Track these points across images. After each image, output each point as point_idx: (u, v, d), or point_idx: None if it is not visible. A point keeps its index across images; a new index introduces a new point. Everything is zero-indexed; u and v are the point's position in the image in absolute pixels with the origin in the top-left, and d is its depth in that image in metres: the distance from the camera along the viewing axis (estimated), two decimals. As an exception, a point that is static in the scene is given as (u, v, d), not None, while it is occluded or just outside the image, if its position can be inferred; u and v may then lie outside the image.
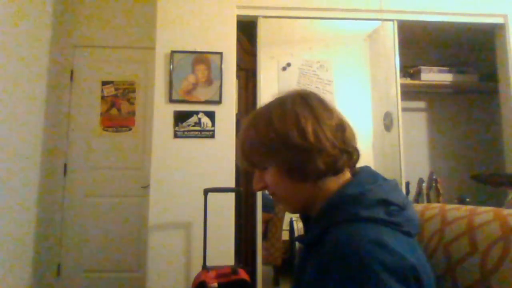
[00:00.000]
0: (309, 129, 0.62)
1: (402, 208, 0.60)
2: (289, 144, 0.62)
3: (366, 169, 0.68)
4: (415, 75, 2.83)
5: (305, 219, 0.74)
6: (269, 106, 0.68)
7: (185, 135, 2.23)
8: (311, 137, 0.61)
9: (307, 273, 0.62)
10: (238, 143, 0.72)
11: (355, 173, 0.68)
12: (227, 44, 2.32)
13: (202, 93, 2.26)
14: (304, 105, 0.65)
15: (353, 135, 0.67)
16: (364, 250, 0.51)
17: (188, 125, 2.23)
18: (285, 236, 2.57)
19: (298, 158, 0.62)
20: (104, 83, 2.85)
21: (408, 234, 0.57)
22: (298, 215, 2.42)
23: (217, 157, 2.23)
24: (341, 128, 0.65)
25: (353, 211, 0.58)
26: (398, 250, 0.52)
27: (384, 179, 0.66)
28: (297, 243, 2.49)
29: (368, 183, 0.62)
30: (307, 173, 0.63)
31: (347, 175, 0.67)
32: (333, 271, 0.52)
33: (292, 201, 0.69)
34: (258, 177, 0.70)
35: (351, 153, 0.65)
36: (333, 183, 0.65)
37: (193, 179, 2.19)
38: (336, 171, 0.64)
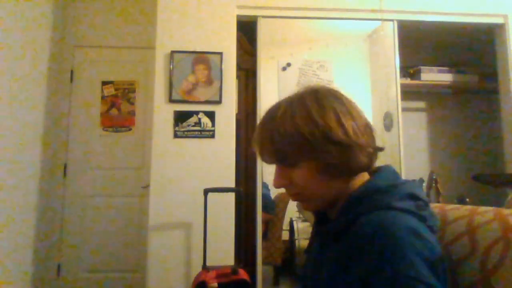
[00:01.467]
0: (349, 125, 0.62)
1: (427, 204, 0.62)
2: (332, 139, 0.61)
3: (388, 167, 0.69)
4: (415, 75, 2.83)
5: (319, 216, 0.74)
6: (302, 99, 0.65)
7: (185, 135, 2.23)
8: (351, 133, 0.62)
9: (331, 262, 0.62)
10: (263, 137, 0.66)
11: (376, 171, 0.68)
12: (227, 44, 2.32)
13: (202, 93, 2.26)
14: (339, 102, 0.65)
15: (376, 135, 0.68)
16: (399, 235, 0.52)
17: (188, 125, 2.23)
18: (285, 236, 2.57)
19: (341, 153, 0.62)
20: (104, 83, 2.85)
21: (431, 229, 0.59)
22: (298, 215, 2.39)
23: (217, 157, 2.23)
24: (369, 127, 0.67)
25: (386, 201, 0.59)
26: (430, 239, 0.54)
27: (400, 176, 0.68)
28: (297, 242, 2.49)
29: (393, 179, 0.64)
30: (347, 169, 0.63)
31: (365, 174, 0.68)
32: (367, 253, 0.53)
33: (319, 199, 0.67)
34: (281, 173, 0.67)
35: (381, 151, 0.68)
36: (359, 180, 0.66)
37: (193, 179, 2.19)
38: (371, 167, 0.67)
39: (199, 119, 2.24)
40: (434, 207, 0.76)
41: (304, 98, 0.65)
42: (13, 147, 2.16)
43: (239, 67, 2.39)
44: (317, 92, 0.66)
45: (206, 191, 2.01)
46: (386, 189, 0.61)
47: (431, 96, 3.12)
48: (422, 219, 0.58)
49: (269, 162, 0.68)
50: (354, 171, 0.64)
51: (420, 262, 0.50)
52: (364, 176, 0.67)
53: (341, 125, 0.62)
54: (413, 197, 0.60)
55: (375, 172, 0.68)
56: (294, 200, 0.70)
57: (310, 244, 0.77)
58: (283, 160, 0.66)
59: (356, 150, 0.62)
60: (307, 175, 0.64)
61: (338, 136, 0.61)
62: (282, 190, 0.70)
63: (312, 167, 0.63)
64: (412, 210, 0.58)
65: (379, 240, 0.52)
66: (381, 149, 0.67)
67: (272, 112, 0.67)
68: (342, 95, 0.68)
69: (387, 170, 0.68)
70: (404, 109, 2.56)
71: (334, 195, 0.66)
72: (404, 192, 0.60)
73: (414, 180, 0.69)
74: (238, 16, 2.38)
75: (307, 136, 0.61)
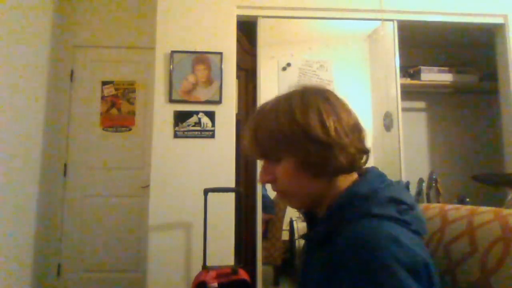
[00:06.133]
0: (331, 125, 0.62)
1: (411, 207, 0.60)
2: (311, 138, 0.61)
3: (374, 170, 0.68)
4: (415, 75, 2.83)
5: (308, 217, 0.74)
6: (288, 98, 0.66)
7: (185, 135, 2.23)
8: (333, 133, 0.61)
9: (316, 270, 0.62)
10: (248, 131, 0.68)
11: (363, 173, 0.68)
12: (227, 44, 2.32)
13: (202, 93, 2.26)
14: (325, 101, 0.65)
15: (366, 136, 0.67)
16: (379, 245, 0.51)
17: (188, 125, 2.23)
18: (285, 236, 2.57)
19: (320, 152, 0.61)
20: (104, 83, 2.85)
21: (416, 233, 0.58)
22: (298, 215, 2.39)
23: (217, 157, 2.23)
24: (358, 128, 0.66)
25: (365, 208, 0.58)
26: (411, 246, 0.53)
27: (391, 180, 0.67)
28: (297, 242, 2.49)
29: (377, 183, 0.63)
30: (326, 169, 0.62)
31: (354, 175, 0.67)
32: (348, 267, 0.52)
33: (301, 197, 0.67)
34: (266, 169, 0.68)
35: (366, 153, 0.66)
36: (344, 181, 0.65)
37: (193, 179, 2.19)
38: (353, 169, 0.65)
39: (199, 119, 2.24)
40: (434, 207, 0.76)
41: (291, 96, 0.66)
42: (13, 147, 2.16)
43: (239, 67, 2.39)
44: (305, 91, 0.67)
45: (206, 191, 2.01)
46: (367, 195, 0.60)
47: (431, 96, 3.13)
48: (405, 224, 0.56)
49: (254, 157, 0.70)
50: (334, 172, 0.64)
51: (402, 271, 0.49)
52: (351, 178, 0.66)
53: (323, 124, 0.61)
54: (395, 201, 0.59)
55: (362, 174, 0.67)
56: (279, 197, 0.70)
57: (303, 247, 0.77)
58: (266, 155, 0.67)
59: (336, 150, 0.61)
60: (288, 172, 0.65)
61: (317, 135, 0.61)
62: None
63: (293, 164, 0.64)
64: (393, 216, 0.56)
65: (359, 253, 0.52)
66: (366, 151, 0.66)
67: (261, 108, 0.69)
68: (332, 94, 0.68)
69: (372, 173, 0.66)
70: (404, 109, 2.56)
71: (316, 194, 0.66)
72: (385, 197, 0.59)
73: (399, 182, 0.67)
74: (238, 16, 2.38)
75: (287, 133, 0.62)
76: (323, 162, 0.62)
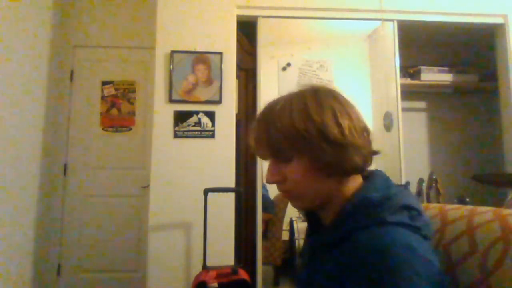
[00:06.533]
0: (346, 125, 0.62)
1: (420, 213, 0.61)
2: (327, 137, 0.61)
3: (379, 173, 0.68)
4: (415, 75, 2.83)
5: (310, 217, 0.73)
6: (302, 97, 0.65)
7: (185, 135, 2.23)
8: (347, 133, 0.61)
9: (322, 274, 0.62)
10: (258, 131, 0.67)
11: (368, 175, 0.68)
12: (227, 44, 2.32)
13: (202, 93, 2.26)
14: (338, 102, 0.65)
15: (373, 138, 0.67)
16: (396, 255, 0.51)
17: (188, 125, 2.23)
18: (285, 236, 2.57)
19: (335, 152, 0.61)
20: (104, 83, 2.85)
21: (425, 237, 0.58)
22: (298, 215, 2.38)
23: (217, 157, 2.23)
24: (367, 130, 0.66)
25: (380, 215, 0.58)
26: (427, 255, 0.53)
27: (398, 185, 0.67)
28: (297, 242, 2.49)
29: (386, 188, 0.63)
30: (340, 168, 0.62)
31: (359, 177, 0.67)
32: (365, 275, 0.52)
33: (309, 197, 0.66)
34: (275, 169, 0.66)
35: (376, 155, 0.67)
36: (352, 183, 0.65)
37: (193, 179, 2.19)
38: (363, 170, 0.66)
39: (199, 119, 2.24)
40: (434, 207, 0.76)
41: (304, 95, 0.65)
42: (13, 147, 2.16)
43: (239, 67, 2.39)
44: (318, 91, 0.66)
45: (206, 191, 2.01)
46: (380, 202, 0.59)
47: (431, 96, 3.13)
48: (416, 229, 0.57)
49: (263, 156, 0.68)
50: (348, 172, 0.64)
51: (418, 280, 0.50)
52: (357, 180, 0.66)
53: (338, 124, 0.61)
54: (407, 207, 0.59)
55: (367, 177, 0.67)
56: (285, 197, 0.69)
57: (303, 247, 0.77)
58: (277, 154, 0.66)
59: (351, 151, 0.61)
60: (300, 172, 0.64)
61: (333, 135, 0.61)
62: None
63: (306, 164, 0.63)
64: (406, 223, 0.57)
65: (377, 261, 0.52)
66: (376, 152, 0.66)
67: (271, 106, 0.67)
68: (342, 96, 0.68)
69: (379, 177, 0.66)
70: (404, 109, 2.56)
71: (325, 195, 0.65)
72: (398, 204, 0.59)
73: (407, 184, 0.68)
74: (238, 16, 2.38)
75: (302, 132, 0.61)
76: (337, 162, 0.62)
